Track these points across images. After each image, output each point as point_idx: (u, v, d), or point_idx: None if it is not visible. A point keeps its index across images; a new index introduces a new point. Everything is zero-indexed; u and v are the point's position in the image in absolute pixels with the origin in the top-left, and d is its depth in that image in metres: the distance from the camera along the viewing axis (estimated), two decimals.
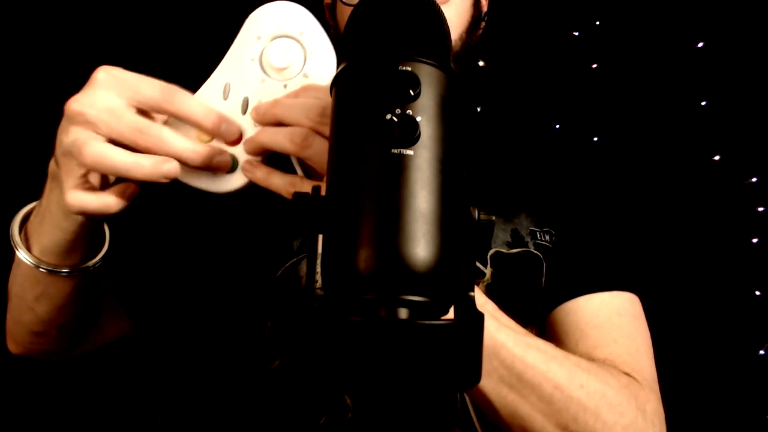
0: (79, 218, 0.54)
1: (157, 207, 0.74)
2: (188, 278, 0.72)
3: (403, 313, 0.32)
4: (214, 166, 0.50)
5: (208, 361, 0.69)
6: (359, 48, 0.37)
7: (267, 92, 0.52)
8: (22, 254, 0.57)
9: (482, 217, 0.36)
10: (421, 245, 0.32)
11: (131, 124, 0.47)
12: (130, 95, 0.48)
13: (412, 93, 0.34)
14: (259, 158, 0.51)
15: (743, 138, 1.31)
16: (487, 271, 0.70)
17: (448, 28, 0.39)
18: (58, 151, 0.49)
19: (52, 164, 0.53)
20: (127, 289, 0.75)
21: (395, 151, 0.33)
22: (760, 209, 1.30)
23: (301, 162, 0.53)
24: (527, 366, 0.54)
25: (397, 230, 0.32)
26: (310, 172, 0.52)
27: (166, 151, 0.47)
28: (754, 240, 1.30)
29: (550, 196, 0.76)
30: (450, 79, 0.36)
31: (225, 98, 0.52)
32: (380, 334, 0.31)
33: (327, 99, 0.47)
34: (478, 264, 0.70)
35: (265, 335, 0.66)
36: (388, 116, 0.33)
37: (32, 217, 0.58)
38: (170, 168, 0.47)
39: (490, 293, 0.69)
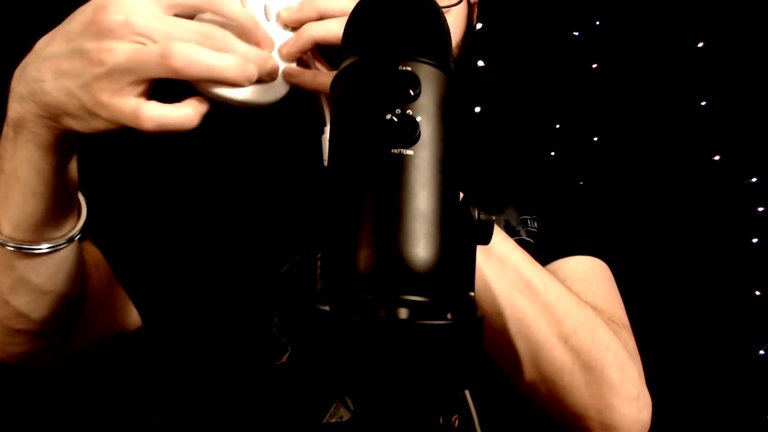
0: (54, 180, 0.48)
1: (165, 200, 0.74)
2: (195, 273, 0.72)
3: (403, 313, 0.32)
4: (267, 72, 0.46)
5: (215, 356, 0.69)
6: (359, 48, 0.37)
7: None
8: None
9: (482, 217, 0.36)
10: (421, 245, 0.32)
11: (193, 29, 0.42)
12: (168, 1, 0.42)
13: (412, 93, 0.34)
14: (294, 64, 0.49)
15: (743, 138, 1.31)
16: None
17: (448, 28, 0.39)
18: (85, 77, 0.41)
19: (17, 112, 0.44)
20: (135, 283, 0.73)
21: (395, 151, 0.33)
22: (760, 209, 1.30)
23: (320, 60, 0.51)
24: (534, 274, 0.56)
25: (397, 230, 0.32)
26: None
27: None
28: (754, 240, 1.30)
29: (534, 185, 0.80)
30: (450, 79, 0.36)
31: (244, 6, 0.49)
32: (380, 334, 0.31)
33: None
34: None
35: (273, 331, 0.67)
36: (388, 116, 0.33)
37: None
38: (252, 70, 0.43)
39: None
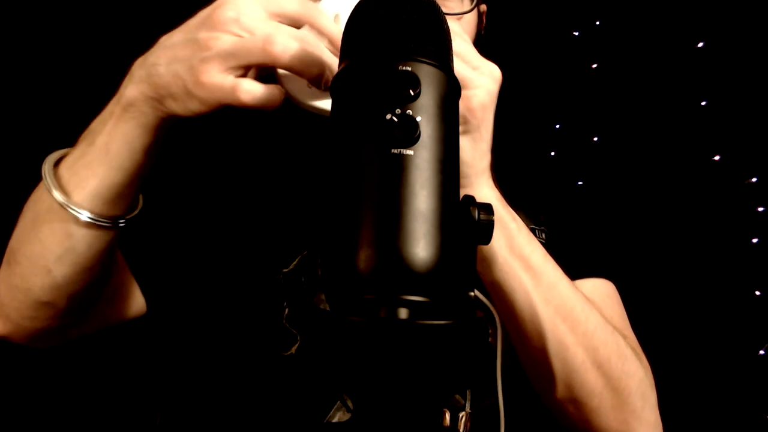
0: (141, 159, 0.52)
1: (177, 193, 0.74)
2: (206, 264, 0.72)
3: (403, 313, 0.32)
4: None
5: (224, 346, 0.70)
6: (359, 48, 0.37)
7: None
8: (61, 198, 0.52)
9: (482, 217, 0.36)
10: (421, 245, 0.32)
11: (291, 31, 0.47)
12: (272, 8, 0.47)
13: (412, 93, 0.34)
14: None
15: (743, 138, 1.31)
16: None
17: (448, 28, 0.39)
18: (193, 60, 0.46)
19: (132, 92, 0.50)
20: (146, 273, 0.72)
21: (395, 151, 0.33)
22: (760, 209, 1.30)
23: None
24: (577, 302, 0.60)
25: (397, 230, 0.32)
26: None
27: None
28: (754, 240, 1.30)
29: (543, 193, 0.81)
30: (450, 79, 0.36)
31: None
32: (380, 334, 0.31)
33: None
34: None
35: (283, 322, 0.67)
36: (388, 116, 0.33)
37: (70, 162, 0.54)
38: (330, 73, 0.47)
39: None
